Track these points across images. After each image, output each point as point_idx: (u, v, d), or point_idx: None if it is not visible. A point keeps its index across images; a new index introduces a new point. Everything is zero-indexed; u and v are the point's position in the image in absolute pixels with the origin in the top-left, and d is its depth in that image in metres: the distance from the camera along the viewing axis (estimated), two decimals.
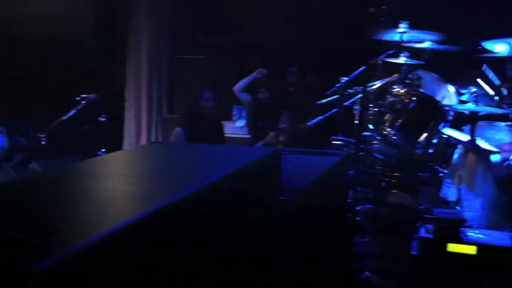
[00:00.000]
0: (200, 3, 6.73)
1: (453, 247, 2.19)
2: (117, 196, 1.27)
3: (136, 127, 6.74)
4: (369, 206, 4.09)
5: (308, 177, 2.18)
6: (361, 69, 3.84)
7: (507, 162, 3.54)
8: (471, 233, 2.27)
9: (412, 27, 3.93)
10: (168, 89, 6.93)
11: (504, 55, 3.81)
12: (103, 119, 6.27)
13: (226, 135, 6.45)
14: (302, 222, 2.10)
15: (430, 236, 2.23)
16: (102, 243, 0.96)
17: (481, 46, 3.48)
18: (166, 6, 6.73)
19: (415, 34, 3.96)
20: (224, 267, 1.51)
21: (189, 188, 1.32)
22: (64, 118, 5.38)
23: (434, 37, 4.01)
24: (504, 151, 3.49)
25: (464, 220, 2.26)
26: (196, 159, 1.73)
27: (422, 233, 2.30)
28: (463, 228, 2.27)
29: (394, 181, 4.16)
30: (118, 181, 1.41)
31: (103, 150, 6.37)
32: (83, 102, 5.48)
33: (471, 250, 2.16)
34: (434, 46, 4.13)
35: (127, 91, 6.84)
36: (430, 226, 2.28)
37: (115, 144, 6.79)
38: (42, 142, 5.47)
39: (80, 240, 0.92)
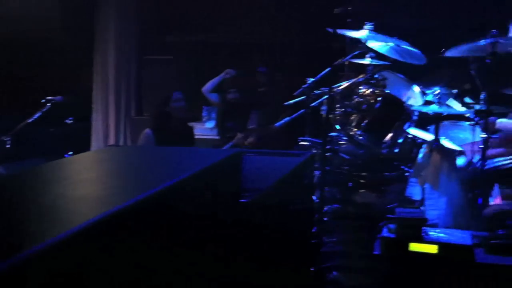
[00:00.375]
0: (167, 2, 6.69)
1: (414, 247, 2.21)
2: (66, 202, 1.24)
3: (104, 129, 6.66)
4: (337, 206, 4.11)
5: (272, 178, 2.17)
6: (326, 70, 3.86)
7: (470, 162, 3.60)
8: (433, 233, 2.30)
9: (377, 28, 3.96)
10: (136, 90, 6.87)
11: (467, 55, 3.87)
12: (69, 121, 6.18)
13: (196, 137, 6.42)
14: (265, 224, 2.10)
15: (392, 235, 2.25)
16: (48, 250, 0.94)
17: (443, 48, 3.53)
18: (133, 6, 6.66)
19: (380, 36, 4.00)
20: (184, 272, 1.50)
21: (143, 192, 1.30)
22: (30, 120, 5.27)
23: (397, 39, 4.06)
24: (473, 152, 3.55)
25: (426, 220, 2.28)
26: (154, 163, 1.70)
27: (385, 232, 2.32)
28: (425, 228, 2.29)
29: (361, 180, 4.19)
30: (69, 186, 1.38)
31: (70, 152, 6.28)
32: (48, 104, 5.38)
33: (433, 249, 2.19)
34: (398, 47, 4.18)
35: (94, 93, 6.75)
36: (392, 226, 2.30)
37: (82, 146, 6.70)
38: (7, 146, 5.36)
39: (25, 248, 0.90)
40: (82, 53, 6.53)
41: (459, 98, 3.85)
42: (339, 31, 3.87)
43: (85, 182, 1.47)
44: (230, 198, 1.84)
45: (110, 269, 1.11)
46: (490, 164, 3.60)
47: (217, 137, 6.52)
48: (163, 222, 1.36)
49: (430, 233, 2.29)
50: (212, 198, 1.70)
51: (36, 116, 5.24)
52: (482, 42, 3.31)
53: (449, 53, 3.50)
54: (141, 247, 1.25)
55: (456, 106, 3.96)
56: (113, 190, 1.42)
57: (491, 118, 3.44)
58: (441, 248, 2.17)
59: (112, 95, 6.69)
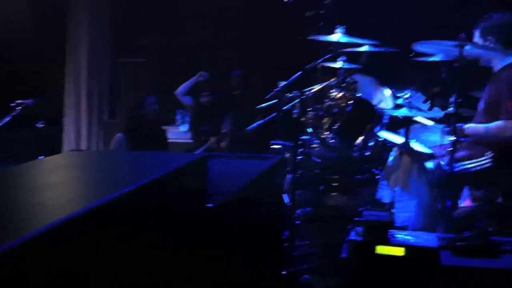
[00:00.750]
0: (139, 5, 6.64)
1: (381, 249, 2.22)
2: (23, 208, 1.22)
3: (76, 132, 6.58)
4: (309, 209, 4.12)
5: (240, 182, 2.16)
6: (298, 74, 3.87)
7: (439, 164, 3.63)
8: (400, 235, 2.32)
9: (348, 31, 3.99)
10: (109, 93, 6.81)
11: (438, 59, 3.91)
12: (41, 125, 6.10)
13: (170, 140, 6.39)
14: (233, 228, 2.09)
15: (360, 238, 2.26)
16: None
17: (413, 50, 3.56)
18: (105, 8, 6.60)
19: (351, 39, 4.03)
20: (149, 278, 1.48)
21: (102, 198, 1.28)
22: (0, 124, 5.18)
23: (369, 41, 4.09)
24: (442, 154, 3.59)
25: (392, 223, 2.30)
26: (117, 168, 1.68)
27: (352, 235, 2.33)
28: (392, 230, 2.31)
29: (333, 183, 4.21)
30: (27, 192, 1.35)
31: (42, 157, 6.20)
32: (18, 108, 5.30)
33: (399, 251, 2.20)
34: (371, 49, 4.22)
35: (66, 96, 6.67)
36: (359, 229, 2.31)
37: (54, 150, 6.62)
38: None
39: None
40: (53, 56, 6.45)
41: (429, 101, 3.89)
42: (311, 36, 3.89)
43: (44, 187, 1.45)
44: (196, 203, 1.83)
45: (63, 277, 1.09)
46: (459, 166, 3.64)
47: (191, 141, 6.50)
48: (123, 228, 1.35)
49: (397, 235, 2.31)
50: (176, 202, 1.68)
51: (6, 120, 5.16)
52: (451, 43, 3.35)
53: (418, 47, 3.52)
54: (100, 253, 1.23)
55: (426, 109, 4.00)
56: (72, 195, 1.40)
57: (459, 124, 3.48)
58: (407, 250, 2.18)
59: (84, 98, 6.62)
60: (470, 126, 3.60)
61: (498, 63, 3.73)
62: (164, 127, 6.37)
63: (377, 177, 4.05)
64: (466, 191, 4.55)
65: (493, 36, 3.66)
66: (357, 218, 2.39)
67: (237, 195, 2.06)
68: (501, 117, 3.58)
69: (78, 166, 1.64)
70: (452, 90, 3.46)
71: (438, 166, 3.66)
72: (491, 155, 3.68)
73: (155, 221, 1.50)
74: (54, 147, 6.66)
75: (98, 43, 6.57)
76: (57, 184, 1.43)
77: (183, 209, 1.71)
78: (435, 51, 3.63)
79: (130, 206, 1.34)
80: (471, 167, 3.73)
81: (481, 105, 3.86)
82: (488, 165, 3.69)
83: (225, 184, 2.11)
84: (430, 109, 3.91)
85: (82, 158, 1.74)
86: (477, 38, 3.75)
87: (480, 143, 3.80)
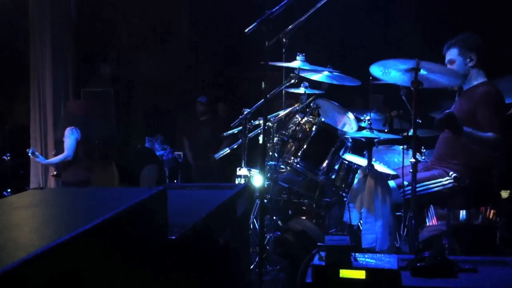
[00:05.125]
0: (100, 36, 6.68)
1: (344, 273, 2.26)
2: None
3: (44, 164, 6.51)
4: (278, 233, 4.15)
5: (202, 212, 2.19)
6: (260, 102, 3.94)
7: (401, 185, 3.71)
8: (361, 258, 2.36)
9: (307, 59, 4.10)
10: None
11: (395, 82, 4.02)
12: (7, 157, 6.03)
13: None
14: (195, 259, 2.11)
15: (323, 263, 2.30)
16: None
17: (370, 74, 3.67)
18: (68, 41, 6.62)
19: (311, 66, 4.13)
20: None
21: (61, 236, 1.30)
22: None
23: (329, 69, 4.20)
24: (404, 175, 3.66)
25: (354, 246, 2.35)
26: (76, 205, 1.70)
27: (316, 260, 2.37)
28: (354, 254, 2.36)
29: (301, 207, 4.26)
30: None
31: (9, 190, 6.12)
32: None
33: (361, 274, 2.25)
34: (330, 78, 4.32)
35: (32, 127, 6.61)
36: (323, 254, 2.35)
37: (21, 184, 6.53)
38: None
39: None
40: (18, 88, 6.41)
41: (388, 123, 3.98)
42: (272, 63, 3.97)
43: (6, 227, 1.46)
44: (157, 235, 1.84)
45: None
46: (421, 187, 3.73)
47: None
48: (84, 266, 1.36)
49: (359, 259, 2.35)
50: (138, 236, 1.70)
51: None
52: (405, 67, 3.47)
53: (373, 70, 3.63)
54: None
55: (387, 131, 4.10)
56: (31, 236, 1.41)
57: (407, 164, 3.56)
58: (368, 273, 2.23)
59: (51, 129, 6.57)
60: (468, 129, 3.61)
61: (471, 81, 3.86)
62: None
63: (344, 199, 4.11)
64: (432, 210, 4.66)
65: (474, 53, 3.81)
66: (320, 243, 2.43)
67: (199, 225, 2.08)
68: (487, 129, 3.64)
69: (39, 204, 1.66)
70: (411, 111, 3.56)
71: (400, 187, 3.74)
72: (454, 175, 3.78)
73: (117, 256, 1.51)
74: (20, 180, 6.58)
75: (62, 74, 6.55)
76: (18, 224, 1.44)
77: (145, 242, 1.72)
78: (391, 75, 3.72)
79: (89, 244, 1.36)
80: (433, 187, 3.83)
81: None
82: (450, 185, 3.79)
83: (186, 215, 2.14)
84: (389, 131, 4.00)
85: (44, 196, 1.75)
86: (454, 55, 3.87)
87: (442, 163, 3.90)
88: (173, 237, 1.87)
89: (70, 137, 5.83)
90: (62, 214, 1.63)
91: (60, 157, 5.93)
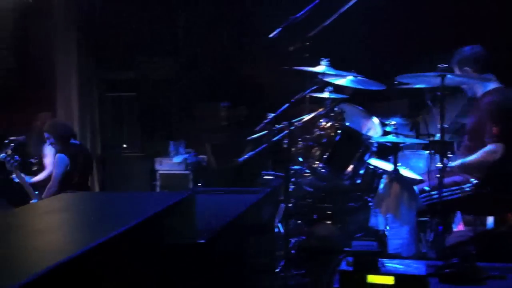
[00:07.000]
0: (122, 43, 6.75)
1: (372, 278, 2.25)
2: (20, 252, 1.25)
3: None
4: (303, 238, 4.14)
5: (228, 217, 2.20)
6: (285, 106, 3.94)
7: (429, 190, 3.68)
8: (389, 264, 2.35)
9: (332, 64, 4.08)
10: (99, 127, 6.85)
11: (421, 86, 4.00)
12: (35, 161, 6.11)
13: (163, 172, 6.45)
14: (224, 263, 2.12)
15: (350, 268, 2.30)
16: None
17: (396, 81, 3.66)
18: (91, 46, 6.72)
19: (335, 71, 4.11)
20: None
21: (95, 240, 1.32)
22: None
23: (353, 74, 4.18)
24: (431, 180, 3.64)
25: (381, 252, 2.34)
26: (108, 209, 1.72)
27: (343, 266, 2.36)
28: (381, 259, 2.35)
29: (325, 212, 4.25)
30: (22, 236, 1.39)
31: (36, 192, 6.20)
32: (12, 144, 5.32)
33: (389, 280, 2.24)
34: (354, 83, 4.30)
35: None
36: (350, 259, 2.35)
37: None
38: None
39: None
40: (43, 93, 6.49)
41: (415, 128, 3.96)
42: (297, 68, 3.98)
43: (39, 231, 1.49)
44: (187, 239, 1.86)
45: None
46: (447, 192, 3.70)
47: (184, 172, 6.53)
48: (118, 269, 1.38)
49: (387, 264, 2.34)
50: (167, 241, 1.72)
51: (1, 156, 5.16)
52: (431, 74, 3.45)
53: (401, 79, 3.65)
54: None
55: (413, 136, 4.07)
56: (66, 239, 1.44)
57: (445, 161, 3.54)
58: (397, 279, 2.22)
59: (77, 133, 6.65)
60: (457, 163, 3.69)
61: (478, 90, 3.88)
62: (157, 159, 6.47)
63: (369, 204, 4.09)
64: (459, 216, 4.61)
65: (469, 67, 3.82)
66: (347, 248, 2.42)
67: (227, 230, 2.09)
68: (487, 141, 3.67)
69: (72, 209, 1.68)
70: (438, 117, 3.54)
71: (427, 192, 3.71)
72: (475, 182, 3.76)
73: (148, 260, 1.53)
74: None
75: (86, 80, 6.65)
76: (51, 228, 1.46)
77: (175, 246, 1.74)
78: (417, 82, 3.73)
79: (123, 247, 1.38)
80: (455, 194, 3.80)
81: (467, 130, 3.97)
82: (471, 192, 3.76)
83: (213, 219, 2.15)
84: (416, 136, 3.98)
85: (76, 200, 1.78)
86: (456, 71, 3.90)
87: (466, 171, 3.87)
88: (203, 241, 1.88)
89: None
90: (93, 218, 1.65)
91: None
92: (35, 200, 4.81)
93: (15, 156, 4.95)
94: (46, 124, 4.94)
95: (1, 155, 4.97)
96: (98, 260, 1.31)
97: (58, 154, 4.81)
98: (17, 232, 1.48)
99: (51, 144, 4.86)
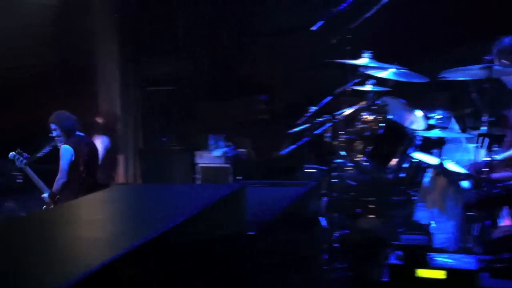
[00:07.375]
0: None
1: (422, 273, 2.23)
2: (80, 244, 1.29)
3: None
4: (346, 231, 4.12)
5: (276, 209, 2.21)
6: (328, 99, 3.92)
7: (476, 184, 3.61)
8: (439, 258, 2.32)
9: (375, 57, 4.03)
10: (141, 121, 6.95)
11: (465, 78, 3.92)
12: None
13: (203, 165, 6.50)
14: (272, 255, 2.13)
15: (400, 262, 2.28)
16: None
17: (441, 74, 3.59)
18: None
19: (379, 63, 4.06)
20: None
21: (153, 232, 1.35)
22: (39, 155, 5.29)
23: (396, 66, 4.12)
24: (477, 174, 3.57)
25: (431, 245, 2.31)
26: (160, 201, 1.75)
27: (392, 259, 2.34)
28: (431, 253, 2.32)
29: (369, 206, 4.21)
30: (83, 228, 1.43)
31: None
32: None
33: (440, 274, 2.21)
34: (397, 75, 4.23)
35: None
36: (399, 252, 2.32)
37: None
38: (18, 180, 5.40)
39: None
40: (85, 87, 6.60)
41: (460, 121, 3.88)
42: (339, 60, 3.95)
43: (96, 223, 1.52)
44: (238, 231, 1.87)
45: None
46: (495, 187, 3.62)
47: (224, 165, 6.57)
48: (175, 260, 1.41)
49: (437, 258, 2.31)
50: (220, 231, 1.74)
51: (45, 150, 5.26)
52: (477, 67, 3.37)
53: (446, 75, 3.57)
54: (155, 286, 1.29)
55: (458, 129, 3.99)
56: (123, 230, 1.47)
57: (481, 162, 3.46)
58: (448, 273, 2.19)
59: (120, 126, 6.76)
60: (503, 155, 3.58)
61: None
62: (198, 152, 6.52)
63: (413, 198, 4.03)
64: (506, 211, 4.50)
65: (508, 59, 3.69)
66: (395, 242, 2.40)
67: (276, 221, 2.10)
68: None
69: (126, 200, 1.72)
70: (483, 110, 3.46)
71: (474, 186, 3.64)
72: None
73: (203, 251, 1.55)
74: None
75: (127, 74, 6.75)
76: (112, 218, 1.50)
77: (226, 237, 1.76)
78: (463, 76, 3.65)
79: (180, 239, 1.40)
80: (503, 189, 3.71)
81: (509, 125, 3.87)
82: None
83: (261, 211, 2.16)
84: (463, 130, 3.90)
85: (128, 192, 1.81)
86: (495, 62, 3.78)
87: None
88: (253, 233, 1.89)
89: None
90: (148, 210, 1.68)
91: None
92: (47, 194, 4.90)
93: (24, 154, 5.04)
94: (51, 116, 5.04)
95: (10, 153, 5.05)
96: (156, 251, 1.34)
97: (63, 146, 4.89)
98: (74, 224, 1.51)
99: (56, 136, 4.95)
